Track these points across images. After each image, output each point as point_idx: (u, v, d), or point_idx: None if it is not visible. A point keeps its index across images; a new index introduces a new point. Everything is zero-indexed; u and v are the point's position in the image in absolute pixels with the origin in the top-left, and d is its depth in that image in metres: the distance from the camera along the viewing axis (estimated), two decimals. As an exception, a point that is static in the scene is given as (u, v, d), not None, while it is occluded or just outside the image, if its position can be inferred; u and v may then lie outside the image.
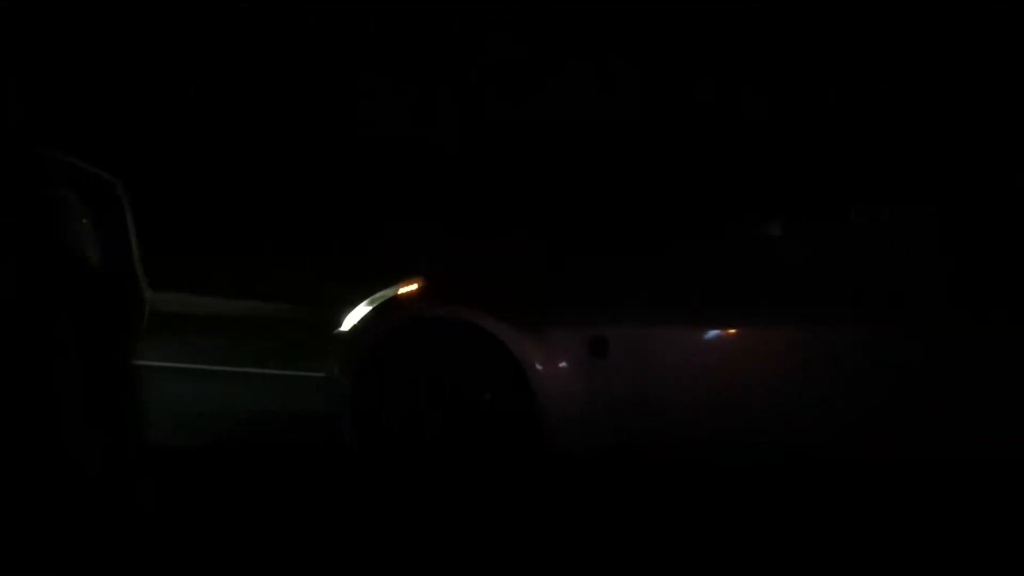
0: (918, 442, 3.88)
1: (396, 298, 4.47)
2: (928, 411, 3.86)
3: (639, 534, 3.81)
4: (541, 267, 4.45)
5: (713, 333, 4.03)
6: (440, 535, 3.88)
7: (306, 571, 3.62)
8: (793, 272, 4.08)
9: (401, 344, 4.35)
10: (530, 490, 4.18)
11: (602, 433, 4.11)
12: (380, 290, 4.57)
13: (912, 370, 3.88)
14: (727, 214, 4.19)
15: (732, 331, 4.01)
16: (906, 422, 3.88)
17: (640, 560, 3.62)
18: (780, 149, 4.26)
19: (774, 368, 3.96)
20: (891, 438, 3.89)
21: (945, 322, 3.86)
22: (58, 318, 2.91)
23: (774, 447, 4.02)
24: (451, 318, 4.26)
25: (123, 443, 3.30)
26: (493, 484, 4.22)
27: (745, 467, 4.07)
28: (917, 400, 3.87)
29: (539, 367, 4.10)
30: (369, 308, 4.48)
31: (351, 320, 4.50)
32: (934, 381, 3.85)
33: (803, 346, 3.93)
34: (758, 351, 3.97)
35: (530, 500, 4.14)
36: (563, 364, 4.09)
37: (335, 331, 4.53)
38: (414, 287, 4.46)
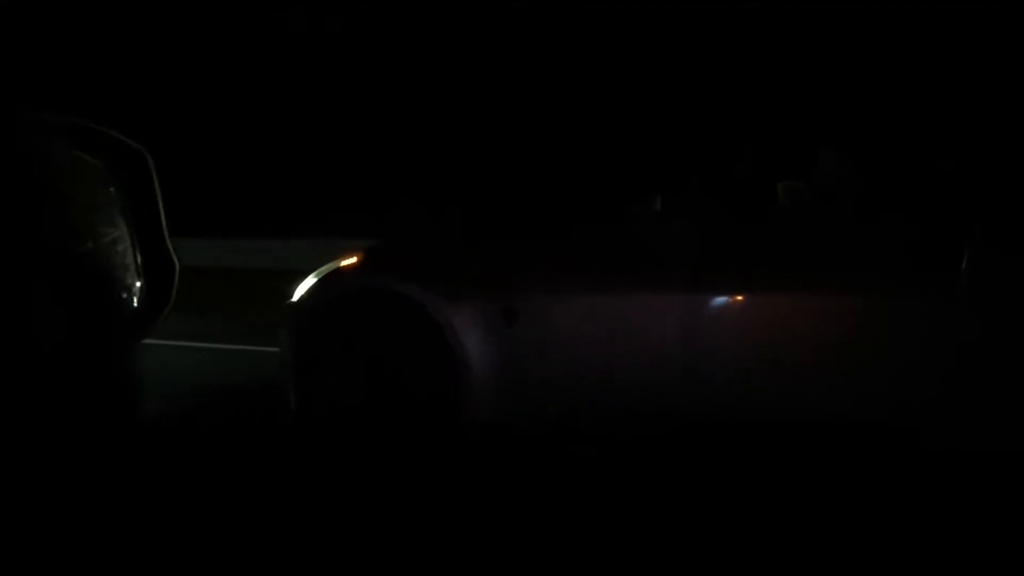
0: (792, 396, 4.06)
1: (337, 270, 4.78)
2: (817, 370, 4.03)
3: (547, 499, 4.00)
4: (464, 242, 4.74)
5: (612, 301, 4.24)
6: (370, 499, 4.06)
7: (243, 537, 3.74)
8: (685, 246, 4.30)
9: (337, 312, 4.64)
10: (451, 454, 4.40)
11: (515, 397, 4.35)
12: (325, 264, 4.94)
13: (783, 329, 4.07)
14: (625, 197, 4.48)
15: (630, 299, 4.22)
16: (782, 380, 4.05)
17: (544, 525, 3.79)
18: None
19: (669, 334, 4.17)
20: (771, 396, 4.08)
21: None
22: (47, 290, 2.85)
23: (674, 413, 4.21)
24: (381, 288, 4.55)
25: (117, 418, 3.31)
26: (417, 447, 4.45)
27: (647, 432, 4.25)
28: (796, 359, 4.04)
29: (459, 333, 4.36)
30: (315, 279, 4.82)
31: (300, 291, 4.84)
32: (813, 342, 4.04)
33: (687, 311, 4.17)
34: (654, 317, 4.19)
35: (450, 464, 4.35)
36: (481, 331, 4.36)
37: (286, 301, 4.93)
38: (354, 260, 4.77)
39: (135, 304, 3.03)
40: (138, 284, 3.07)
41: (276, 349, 4.93)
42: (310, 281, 4.91)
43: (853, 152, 4.36)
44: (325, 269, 4.91)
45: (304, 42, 12.25)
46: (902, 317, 3.96)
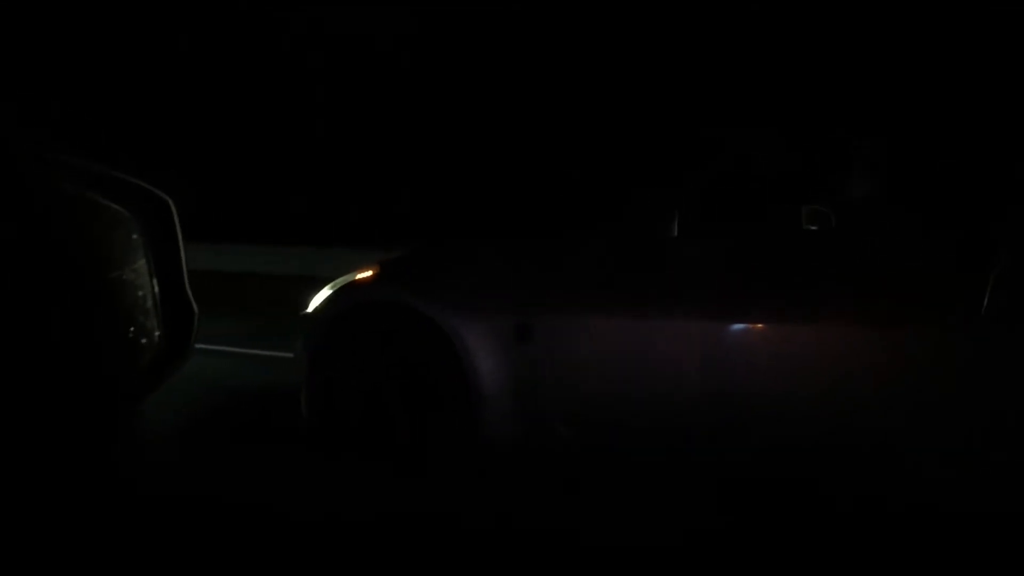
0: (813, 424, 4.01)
1: (352, 282, 4.83)
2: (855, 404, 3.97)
3: (561, 521, 3.98)
4: (478, 256, 4.73)
5: (631, 322, 4.23)
6: (378, 510, 4.07)
7: (252, 545, 3.77)
8: (702, 270, 4.26)
9: (350, 324, 4.70)
10: (461, 470, 4.40)
11: (527, 415, 4.35)
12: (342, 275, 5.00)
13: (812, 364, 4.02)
14: (650, 213, 4.37)
15: (649, 321, 4.21)
16: (803, 408, 4.02)
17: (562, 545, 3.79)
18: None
19: (686, 359, 4.16)
20: (792, 424, 4.04)
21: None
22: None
23: (689, 437, 4.19)
24: (393, 301, 4.60)
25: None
26: (427, 463, 4.48)
27: (663, 458, 4.24)
28: (819, 389, 4.00)
29: (470, 349, 4.38)
30: (330, 291, 4.89)
31: (315, 301, 4.92)
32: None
33: (713, 339, 4.14)
34: (671, 341, 4.18)
35: (460, 481, 4.35)
36: (493, 347, 4.36)
37: (301, 312, 5.01)
38: (369, 273, 4.82)
39: (152, 349, 3.05)
40: (157, 332, 3.10)
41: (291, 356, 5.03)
42: (325, 292, 4.98)
43: (879, 170, 4.35)
44: (341, 281, 4.98)
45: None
46: (933, 349, 3.87)
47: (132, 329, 3.02)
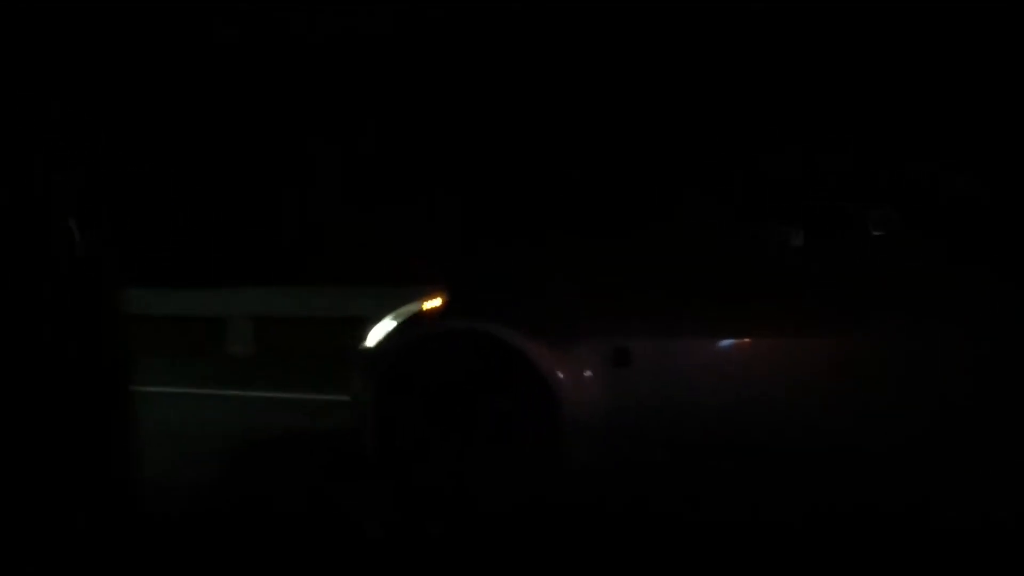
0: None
1: (421, 313, 4.54)
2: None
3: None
4: (565, 276, 4.45)
5: (732, 343, 4.06)
6: (458, 548, 3.86)
7: None
8: (810, 283, 4.10)
9: (424, 356, 4.40)
10: (549, 501, 4.18)
11: (624, 443, 4.13)
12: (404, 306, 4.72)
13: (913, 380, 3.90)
14: (748, 227, 4.21)
15: (751, 341, 4.04)
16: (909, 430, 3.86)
17: None
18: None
19: (792, 377, 3.98)
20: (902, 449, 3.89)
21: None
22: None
23: (796, 456, 4.02)
24: (472, 330, 4.31)
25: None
26: (513, 497, 4.22)
27: (774, 484, 4.06)
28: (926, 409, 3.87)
29: (560, 375, 4.13)
30: (393, 323, 4.60)
31: (375, 335, 4.62)
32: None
33: (821, 355, 3.97)
34: (776, 361, 4.01)
35: (551, 514, 4.12)
36: (587, 374, 4.13)
37: (359, 346, 4.69)
38: (438, 302, 4.52)
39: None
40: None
41: (347, 396, 4.68)
42: (386, 325, 4.68)
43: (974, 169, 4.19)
44: (404, 312, 4.68)
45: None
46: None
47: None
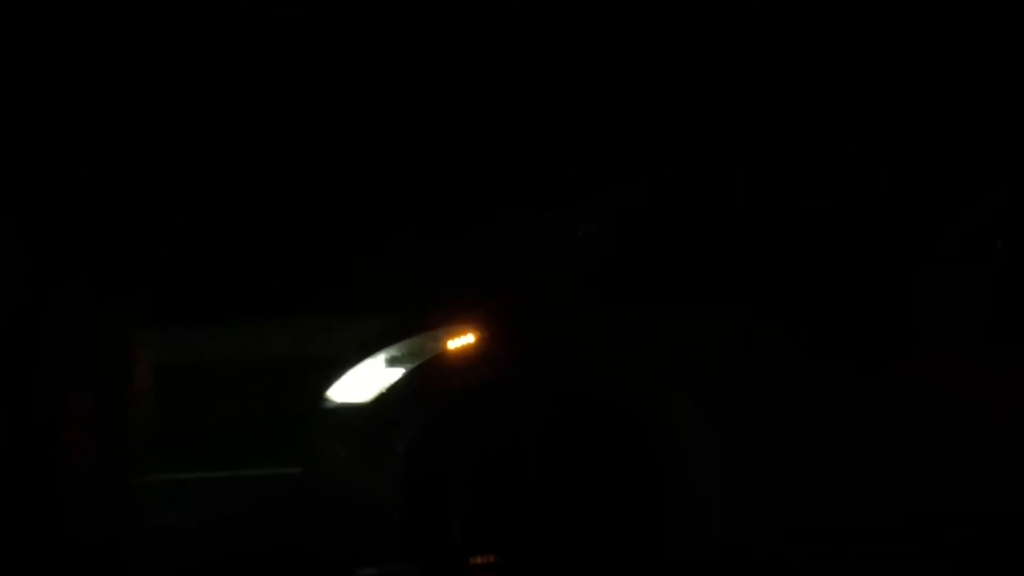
0: None
1: (446, 355, 3.30)
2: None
3: None
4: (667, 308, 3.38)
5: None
6: None
7: None
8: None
9: (471, 416, 3.24)
10: None
11: (759, 514, 3.21)
12: (393, 340, 3.41)
13: None
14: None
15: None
16: None
17: None
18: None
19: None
20: None
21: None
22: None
23: None
24: (542, 379, 3.22)
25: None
26: None
27: None
28: None
29: (677, 432, 3.16)
30: (394, 368, 3.32)
31: (356, 386, 3.34)
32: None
33: None
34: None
35: None
36: (710, 427, 3.17)
37: (325, 402, 3.39)
38: (467, 340, 3.29)
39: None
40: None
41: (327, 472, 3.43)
42: (375, 372, 3.37)
43: None
44: (406, 354, 3.36)
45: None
46: None
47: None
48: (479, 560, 3.23)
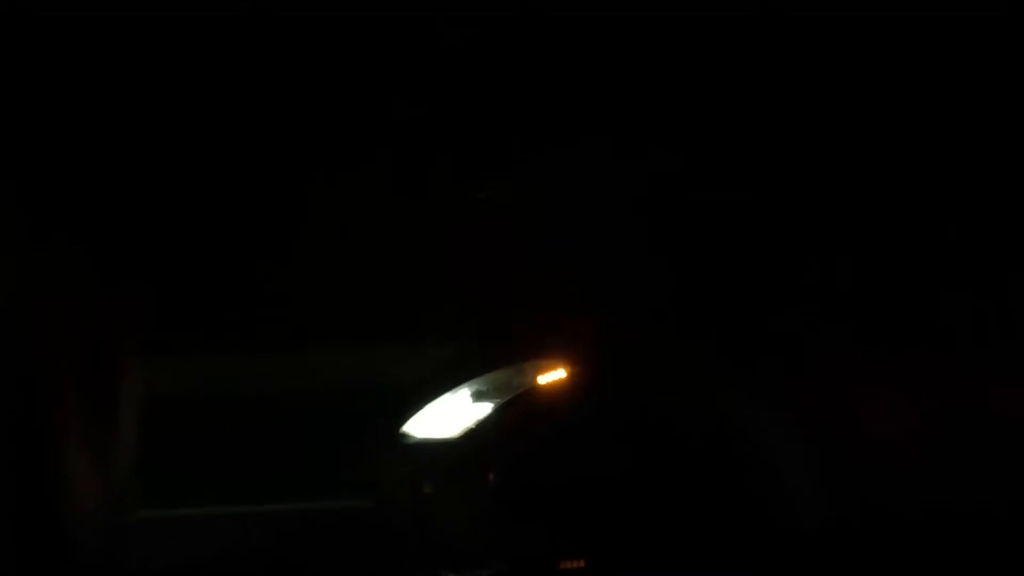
0: None
1: (537, 389, 3.29)
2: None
3: None
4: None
5: None
6: None
7: None
8: None
9: (571, 455, 3.21)
10: None
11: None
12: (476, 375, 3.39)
13: None
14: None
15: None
16: None
17: None
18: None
19: None
20: None
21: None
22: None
23: None
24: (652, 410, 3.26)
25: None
26: None
27: None
28: None
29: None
30: (480, 403, 3.29)
31: (433, 422, 3.32)
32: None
33: None
34: None
35: None
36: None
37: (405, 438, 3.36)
38: (558, 375, 3.29)
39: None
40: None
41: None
42: (469, 411, 3.33)
43: None
44: (498, 392, 3.34)
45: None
46: None
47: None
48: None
